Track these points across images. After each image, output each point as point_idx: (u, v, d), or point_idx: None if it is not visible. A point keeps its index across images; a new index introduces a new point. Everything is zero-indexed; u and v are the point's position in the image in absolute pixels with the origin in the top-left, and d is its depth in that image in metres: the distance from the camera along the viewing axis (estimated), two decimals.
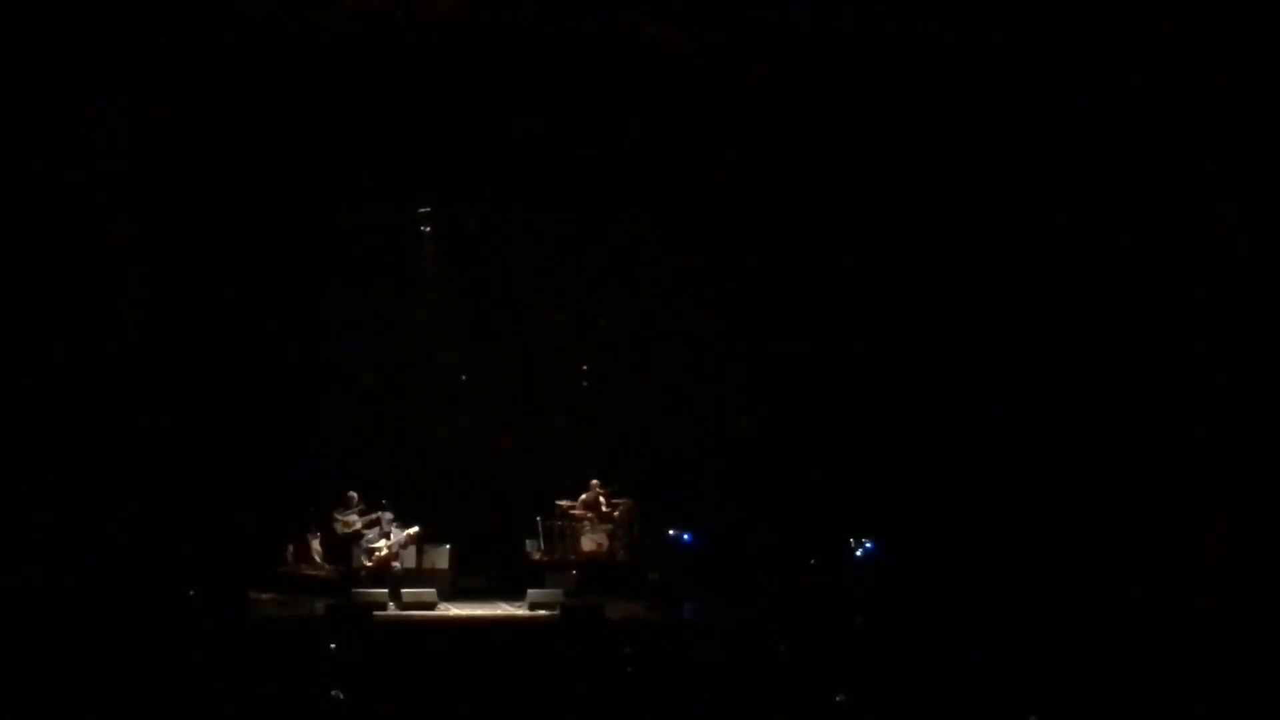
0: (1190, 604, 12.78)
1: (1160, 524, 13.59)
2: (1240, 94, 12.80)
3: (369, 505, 17.65)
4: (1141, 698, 10.49)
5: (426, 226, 19.10)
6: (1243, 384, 13.02)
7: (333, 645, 12.05)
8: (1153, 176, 13.85)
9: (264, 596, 16.18)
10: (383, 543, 17.26)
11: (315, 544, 17.66)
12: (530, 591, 16.63)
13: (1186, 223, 13.59)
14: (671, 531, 18.12)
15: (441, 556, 17.60)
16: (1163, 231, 13.91)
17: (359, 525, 17.48)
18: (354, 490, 17.75)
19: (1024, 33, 14.04)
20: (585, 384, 19.71)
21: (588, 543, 18.18)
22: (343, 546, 17.53)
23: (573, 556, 18.04)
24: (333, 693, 10.72)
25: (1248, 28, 12.49)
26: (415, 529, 17.41)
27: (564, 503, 18.37)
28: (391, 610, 16.19)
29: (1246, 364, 13.02)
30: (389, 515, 17.48)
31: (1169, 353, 13.78)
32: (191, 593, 14.54)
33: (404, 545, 17.33)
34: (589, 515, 18.32)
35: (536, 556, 18.14)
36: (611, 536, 18.27)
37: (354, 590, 16.59)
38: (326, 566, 17.55)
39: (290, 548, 17.55)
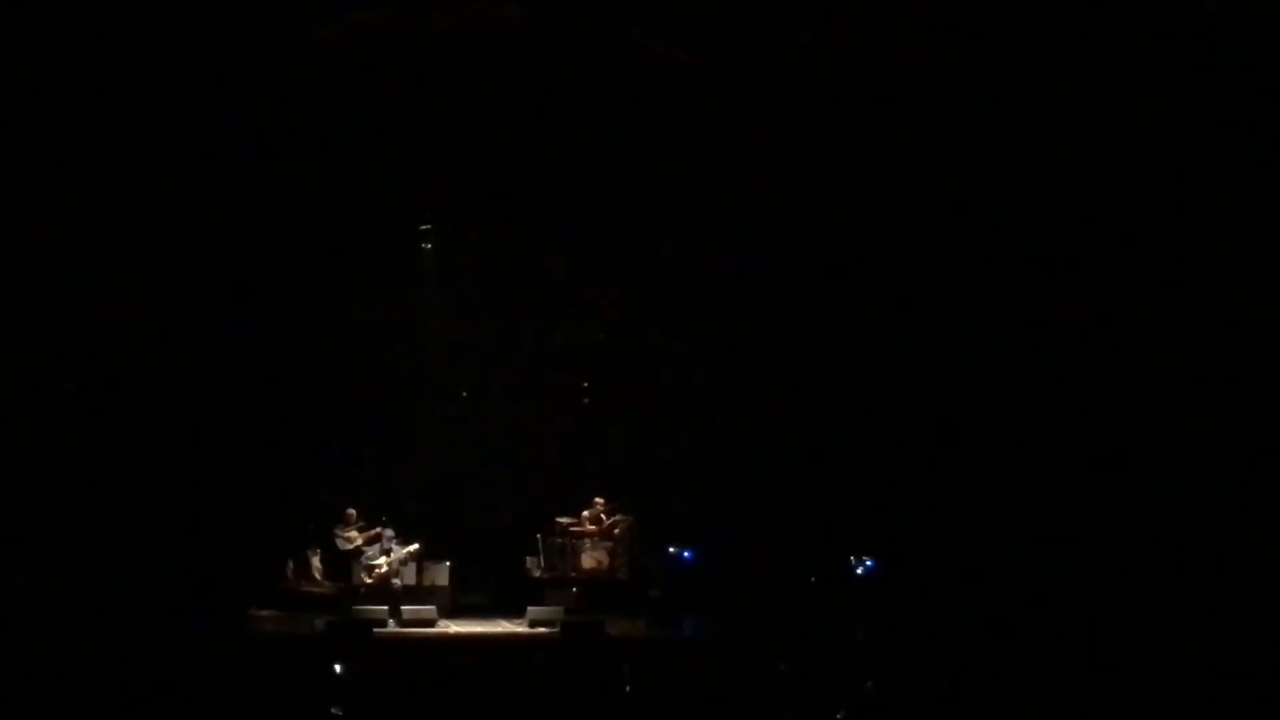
0: (1189, 618, 12.77)
1: (1160, 541, 13.59)
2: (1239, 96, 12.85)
3: (369, 522, 17.63)
4: (1139, 714, 10.49)
5: (427, 243, 19.12)
6: (1246, 402, 13.02)
7: (335, 665, 12.05)
8: (1149, 185, 13.90)
9: (264, 614, 16.15)
10: (383, 559, 17.25)
11: (315, 561, 17.62)
12: (530, 608, 16.58)
13: (1184, 232, 13.63)
14: (672, 549, 18.09)
15: (442, 573, 17.57)
16: (1162, 247, 13.94)
17: (360, 542, 17.47)
18: (354, 507, 17.72)
19: (1029, 46, 14.08)
20: (586, 401, 19.71)
21: (588, 560, 18.15)
22: (343, 563, 17.51)
23: (573, 573, 18.00)
24: (332, 710, 10.72)
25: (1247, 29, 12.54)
26: (415, 546, 17.40)
27: (564, 519, 18.34)
28: (391, 627, 16.15)
29: (1249, 379, 13.03)
30: (389, 532, 17.46)
31: (1170, 370, 13.79)
32: (191, 610, 14.52)
33: (404, 562, 17.31)
34: (590, 532, 18.29)
35: (537, 573, 18.09)
36: (612, 554, 18.23)
37: (354, 607, 16.56)
38: (326, 583, 17.52)
39: (290, 564, 17.52)
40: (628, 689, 11.72)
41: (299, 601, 16.93)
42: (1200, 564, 13.17)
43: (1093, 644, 12.78)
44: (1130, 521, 14.01)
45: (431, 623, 16.40)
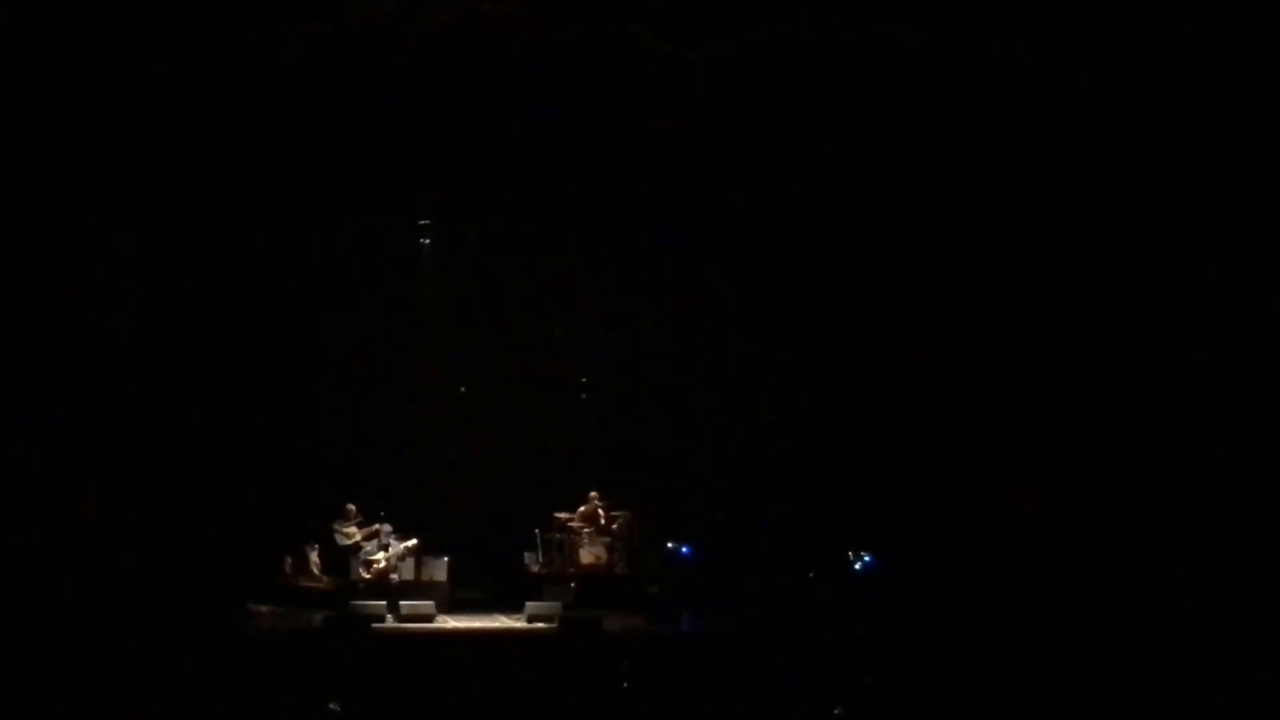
0: (1188, 617, 12.78)
1: (1157, 539, 13.60)
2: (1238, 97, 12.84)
3: (367, 517, 17.64)
4: (1140, 712, 10.49)
5: (426, 238, 19.11)
6: (1246, 401, 13.02)
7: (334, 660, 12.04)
8: (1151, 183, 13.90)
9: (262, 609, 16.16)
10: (381, 555, 17.26)
11: (313, 556, 17.62)
12: (529, 604, 16.58)
13: (1183, 229, 13.63)
14: (670, 544, 18.10)
15: (440, 569, 17.57)
16: (1162, 245, 13.95)
17: (358, 537, 17.48)
18: (353, 502, 17.74)
19: (1030, 45, 14.07)
20: (584, 396, 19.70)
21: (586, 555, 18.14)
22: (341, 558, 17.52)
23: (571, 569, 18.00)
24: (331, 705, 10.72)
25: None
26: (414, 541, 17.41)
27: (562, 515, 18.34)
28: (390, 622, 16.16)
29: (1249, 378, 13.03)
30: (388, 527, 17.47)
31: (1170, 367, 13.79)
32: (189, 605, 14.51)
33: (402, 557, 17.32)
34: (587, 528, 18.28)
35: (535, 569, 18.09)
36: (610, 549, 18.22)
37: (352, 602, 16.57)
38: (324, 579, 17.52)
39: (288, 560, 17.52)
40: (626, 685, 11.72)
41: (297, 597, 16.93)
42: (1201, 562, 13.17)
43: (1093, 641, 12.78)
44: (1130, 519, 14.02)
45: (430, 618, 16.41)
